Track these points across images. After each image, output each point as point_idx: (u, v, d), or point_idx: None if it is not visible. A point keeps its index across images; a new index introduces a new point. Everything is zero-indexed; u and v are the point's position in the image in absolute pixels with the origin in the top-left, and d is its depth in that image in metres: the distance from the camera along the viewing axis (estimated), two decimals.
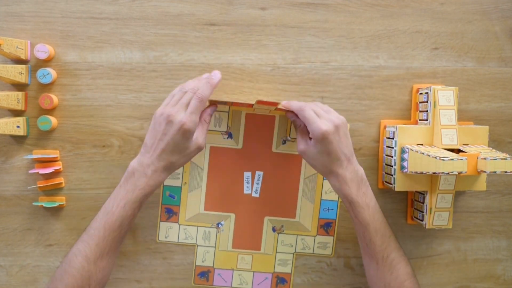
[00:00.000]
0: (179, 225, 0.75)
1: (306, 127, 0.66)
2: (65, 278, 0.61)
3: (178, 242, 0.75)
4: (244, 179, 0.75)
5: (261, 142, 0.75)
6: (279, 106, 0.68)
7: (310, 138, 0.66)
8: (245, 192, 0.75)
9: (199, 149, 0.67)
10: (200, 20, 0.73)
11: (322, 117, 0.65)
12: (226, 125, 0.74)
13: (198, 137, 0.66)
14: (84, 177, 0.74)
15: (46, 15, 0.72)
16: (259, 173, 0.75)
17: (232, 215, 0.75)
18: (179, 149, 0.64)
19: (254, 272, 0.76)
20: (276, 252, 0.76)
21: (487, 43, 0.76)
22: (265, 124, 0.74)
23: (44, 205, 0.72)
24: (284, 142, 0.75)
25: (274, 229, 0.76)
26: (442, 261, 0.79)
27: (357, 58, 0.75)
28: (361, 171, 0.67)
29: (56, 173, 0.73)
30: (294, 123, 0.71)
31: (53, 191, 0.74)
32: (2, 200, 0.73)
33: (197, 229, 0.75)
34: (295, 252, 0.76)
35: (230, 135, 0.74)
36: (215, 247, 0.75)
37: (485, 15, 0.75)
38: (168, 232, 0.75)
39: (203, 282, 0.76)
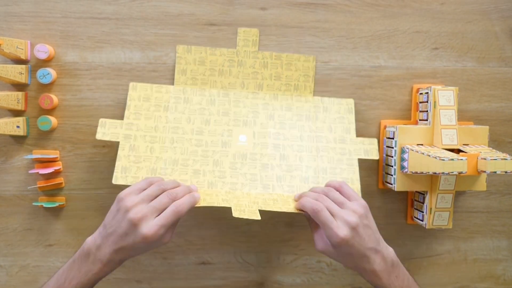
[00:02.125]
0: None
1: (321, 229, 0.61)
2: None
3: None
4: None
5: None
6: (293, 210, 0.64)
7: None
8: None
9: (163, 245, 0.61)
10: (200, 20, 0.73)
11: (337, 217, 0.59)
12: None
13: (165, 236, 0.59)
14: (84, 177, 0.74)
15: (46, 15, 0.72)
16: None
17: None
18: (140, 250, 0.60)
19: None
20: None
21: (487, 43, 0.76)
22: None
23: (44, 205, 0.72)
24: None
25: None
26: (442, 261, 0.79)
27: (357, 58, 0.75)
28: (391, 255, 0.61)
29: (56, 173, 0.73)
30: (308, 220, 0.65)
31: (53, 191, 0.74)
32: (2, 200, 0.73)
33: None
34: None
35: None
36: None
37: (485, 15, 0.75)
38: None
39: None
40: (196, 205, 0.62)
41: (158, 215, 0.58)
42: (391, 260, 0.61)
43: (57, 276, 0.61)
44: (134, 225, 0.57)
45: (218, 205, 0.63)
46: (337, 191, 0.64)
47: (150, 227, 0.57)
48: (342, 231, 0.58)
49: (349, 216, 0.59)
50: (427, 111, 0.71)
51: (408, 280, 0.62)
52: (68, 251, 0.74)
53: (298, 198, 0.66)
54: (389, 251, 0.62)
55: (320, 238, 0.62)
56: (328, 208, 0.60)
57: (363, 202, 0.61)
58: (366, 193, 0.76)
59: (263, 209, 0.64)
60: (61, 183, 0.73)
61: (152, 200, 0.60)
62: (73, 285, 0.60)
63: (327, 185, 0.66)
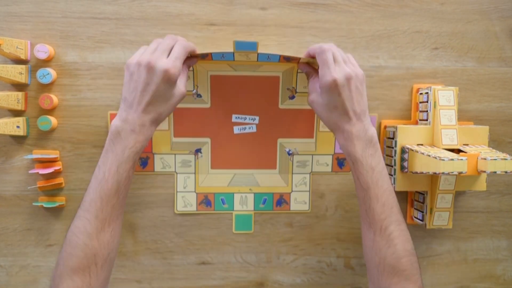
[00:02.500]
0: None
1: (318, 78, 0.62)
2: (69, 260, 0.56)
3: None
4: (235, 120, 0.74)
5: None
6: (302, 60, 0.67)
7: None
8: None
9: (182, 96, 0.62)
10: (200, 20, 0.73)
11: (338, 64, 0.61)
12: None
13: (180, 85, 0.62)
14: (84, 177, 0.74)
15: (46, 15, 0.72)
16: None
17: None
18: (165, 98, 0.60)
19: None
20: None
21: (487, 43, 0.76)
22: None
23: (44, 205, 0.72)
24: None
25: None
26: (442, 261, 0.79)
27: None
28: (371, 131, 0.62)
29: (56, 173, 0.73)
30: (307, 73, 0.68)
31: (53, 191, 0.74)
32: (2, 200, 0.73)
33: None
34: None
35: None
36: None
37: (485, 15, 0.75)
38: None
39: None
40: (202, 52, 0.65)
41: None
42: (371, 136, 0.62)
43: (94, 176, 0.60)
44: (150, 68, 0.58)
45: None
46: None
47: (166, 61, 0.58)
48: (336, 73, 0.60)
49: (348, 68, 0.61)
50: (427, 111, 0.71)
51: (382, 167, 0.62)
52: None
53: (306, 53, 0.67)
54: (371, 128, 0.63)
55: (313, 90, 0.65)
56: (333, 55, 0.62)
57: (362, 72, 0.63)
58: None
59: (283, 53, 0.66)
60: (61, 183, 0.73)
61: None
62: (114, 170, 0.58)
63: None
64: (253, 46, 0.63)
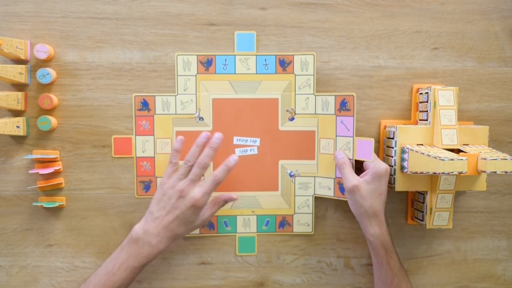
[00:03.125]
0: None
1: (352, 166, 0.69)
2: None
3: None
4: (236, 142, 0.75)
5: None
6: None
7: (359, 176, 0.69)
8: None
9: (204, 223, 0.69)
10: (200, 20, 0.73)
11: (378, 160, 0.69)
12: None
13: (205, 215, 0.69)
14: (84, 177, 0.74)
15: (46, 15, 0.72)
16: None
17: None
18: (186, 223, 0.67)
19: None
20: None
21: (487, 43, 0.76)
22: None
23: (44, 205, 0.72)
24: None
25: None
26: (442, 261, 0.79)
27: (357, 58, 0.75)
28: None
29: (56, 173, 0.73)
30: (342, 164, 0.70)
31: (53, 191, 0.74)
32: (2, 200, 0.73)
33: None
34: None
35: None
36: None
37: (485, 15, 0.75)
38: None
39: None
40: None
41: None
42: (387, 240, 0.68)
43: (105, 265, 0.66)
44: (181, 197, 0.66)
45: None
46: None
47: (196, 192, 0.67)
48: (385, 164, 0.68)
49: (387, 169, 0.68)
50: (427, 111, 0.71)
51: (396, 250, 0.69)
52: (68, 251, 0.74)
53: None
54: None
55: (353, 176, 0.69)
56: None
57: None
58: None
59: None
60: (61, 183, 0.73)
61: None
62: (123, 269, 0.65)
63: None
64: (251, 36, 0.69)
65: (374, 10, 0.74)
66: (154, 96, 0.73)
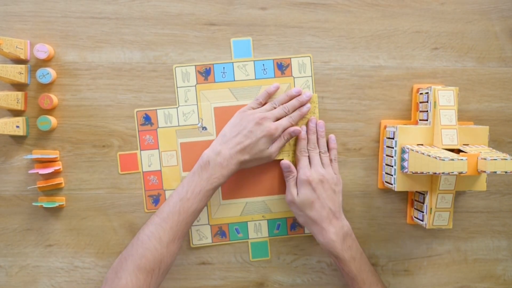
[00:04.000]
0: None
1: (296, 179, 0.71)
2: (137, 258, 0.62)
3: None
4: None
5: None
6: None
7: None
8: None
9: (269, 158, 0.71)
10: (200, 20, 0.73)
11: (314, 166, 0.71)
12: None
13: (273, 147, 0.70)
14: (84, 177, 0.74)
15: (46, 15, 0.72)
16: None
17: None
18: (256, 151, 0.68)
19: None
20: None
21: (487, 43, 0.76)
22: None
23: (44, 205, 0.72)
24: None
25: None
26: (442, 261, 0.79)
27: (357, 58, 0.75)
28: (346, 226, 0.70)
29: (55, 173, 0.73)
30: (289, 173, 0.72)
31: (53, 191, 0.74)
32: (2, 200, 0.73)
33: None
34: None
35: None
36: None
37: (485, 15, 0.75)
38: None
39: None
40: None
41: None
42: (346, 230, 0.69)
43: (176, 192, 0.67)
44: (259, 123, 0.68)
45: None
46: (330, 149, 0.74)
47: (271, 125, 0.69)
48: (311, 173, 0.69)
49: (323, 171, 0.70)
50: (427, 111, 0.71)
51: (361, 253, 0.70)
52: (68, 251, 0.74)
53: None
54: (346, 223, 0.70)
55: (291, 190, 0.71)
56: (311, 158, 0.72)
57: (339, 177, 0.72)
58: (366, 193, 0.77)
59: None
60: (61, 183, 0.73)
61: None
62: (196, 192, 0.66)
63: (331, 145, 0.74)
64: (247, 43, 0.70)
65: (374, 10, 0.74)
66: (156, 110, 0.73)
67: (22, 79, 0.70)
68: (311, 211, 0.69)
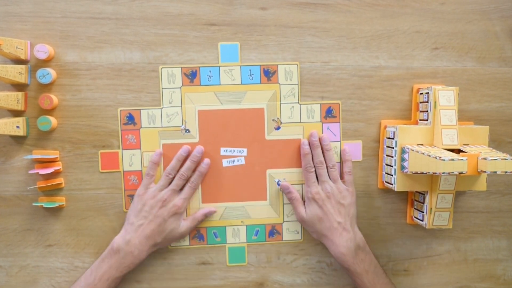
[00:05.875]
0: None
1: (300, 198, 0.73)
2: None
3: None
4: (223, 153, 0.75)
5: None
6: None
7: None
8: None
9: (182, 236, 0.73)
10: (200, 20, 0.73)
11: (322, 182, 0.72)
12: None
13: (184, 226, 0.72)
14: (84, 177, 0.74)
15: (46, 15, 0.72)
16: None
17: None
18: (167, 232, 0.70)
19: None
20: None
21: (487, 43, 0.76)
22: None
23: (44, 206, 0.72)
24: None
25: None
26: (442, 261, 0.79)
27: (357, 58, 0.75)
28: (358, 237, 0.71)
29: (56, 174, 0.73)
30: (289, 194, 0.74)
31: (53, 191, 0.74)
32: (2, 200, 0.73)
33: None
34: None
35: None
36: None
37: (485, 15, 0.75)
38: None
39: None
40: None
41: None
42: (358, 242, 0.70)
43: (84, 278, 0.68)
44: (164, 205, 0.69)
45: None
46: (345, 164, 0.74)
47: (177, 200, 0.70)
48: (317, 189, 0.71)
49: (329, 186, 0.71)
50: (427, 111, 0.71)
51: (375, 266, 0.70)
52: (68, 251, 0.74)
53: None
54: (358, 234, 0.71)
55: (300, 207, 0.73)
56: (319, 174, 0.72)
57: (351, 189, 0.72)
58: (366, 193, 0.77)
59: None
60: (61, 183, 0.73)
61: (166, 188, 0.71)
62: (104, 279, 0.67)
63: (345, 157, 0.75)
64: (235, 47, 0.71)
65: (374, 10, 0.74)
66: (140, 110, 0.73)
67: (22, 79, 0.70)
68: (320, 227, 0.70)
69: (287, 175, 0.75)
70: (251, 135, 0.74)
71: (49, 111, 0.72)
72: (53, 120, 0.71)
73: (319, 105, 0.74)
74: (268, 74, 0.74)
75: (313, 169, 0.72)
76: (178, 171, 0.72)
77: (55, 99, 0.71)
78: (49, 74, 0.70)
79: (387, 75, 0.75)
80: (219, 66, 0.73)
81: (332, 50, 0.75)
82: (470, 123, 0.76)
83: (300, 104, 0.74)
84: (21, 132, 0.71)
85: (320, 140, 0.73)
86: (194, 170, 0.72)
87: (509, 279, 0.79)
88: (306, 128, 0.75)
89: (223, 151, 0.74)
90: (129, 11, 0.72)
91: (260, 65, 0.73)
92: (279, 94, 0.74)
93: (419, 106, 0.74)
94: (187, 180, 0.72)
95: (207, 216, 0.74)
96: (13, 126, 0.70)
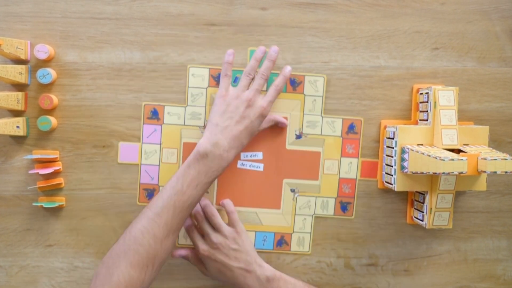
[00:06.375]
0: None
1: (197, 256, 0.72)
2: (130, 255, 0.60)
3: None
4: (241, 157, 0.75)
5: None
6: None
7: None
8: (238, 166, 0.75)
9: (259, 130, 0.71)
10: (200, 20, 0.73)
11: (207, 235, 0.70)
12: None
13: (263, 125, 0.71)
14: (84, 177, 0.74)
15: (46, 15, 0.72)
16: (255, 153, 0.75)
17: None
18: (253, 132, 0.68)
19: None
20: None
21: (487, 43, 0.76)
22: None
23: (44, 206, 0.72)
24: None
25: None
26: (442, 261, 0.79)
27: (357, 58, 0.75)
28: (265, 270, 0.69)
29: (56, 174, 0.73)
30: (191, 259, 0.73)
31: (53, 191, 0.74)
32: (2, 200, 0.73)
33: None
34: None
35: None
36: None
37: (485, 15, 0.75)
38: None
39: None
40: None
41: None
42: (266, 277, 0.68)
43: (170, 185, 0.64)
44: (250, 105, 0.67)
45: None
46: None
47: (262, 101, 0.68)
48: (202, 246, 0.69)
49: (214, 238, 0.69)
50: (427, 111, 0.71)
51: (294, 285, 0.69)
52: (68, 251, 0.74)
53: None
54: (264, 269, 0.69)
55: (199, 268, 0.72)
56: (206, 226, 0.71)
57: (237, 228, 0.71)
58: (366, 193, 0.77)
59: None
60: (61, 183, 0.73)
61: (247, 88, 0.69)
62: (193, 186, 0.64)
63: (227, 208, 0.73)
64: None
65: (374, 10, 0.74)
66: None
67: (22, 79, 0.70)
68: (226, 278, 0.69)
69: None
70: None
71: (49, 111, 0.72)
72: (53, 120, 0.71)
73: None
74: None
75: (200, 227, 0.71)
76: (256, 72, 0.70)
77: (55, 99, 0.71)
78: (49, 74, 0.70)
79: (387, 75, 0.75)
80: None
81: (332, 50, 0.75)
82: (470, 123, 0.76)
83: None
84: (21, 132, 0.71)
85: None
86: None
87: (509, 279, 0.79)
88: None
89: (242, 156, 0.75)
90: (130, 11, 0.72)
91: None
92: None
93: (419, 106, 0.74)
94: (267, 81, 0.70)
95: (278, 124, 0.73)
96: (13, 126, 0.70)
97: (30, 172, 0.71)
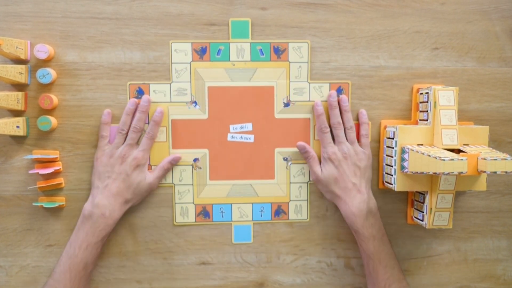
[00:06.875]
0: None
1: (316, 158, 0.73)
2: None
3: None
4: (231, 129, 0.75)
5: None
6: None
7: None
8: (229, 139, 0.75)
9: (152, 188, 0.72)
10: (200, 20, 0.73)
11: (338, 144, 0.71)
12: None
13: (150, 176, 0.71)
14: (84, 178, 0.74)
15: (46, 15, 0.72)
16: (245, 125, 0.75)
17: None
18: (134, 186, 0.70)
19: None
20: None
21: (487, 43, 0.76)
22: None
23: (44, 206, 0.72)
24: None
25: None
26: (442, 261, 0.79)
27: (357, 58, 0.75)
28: (372, 202, 0.71)
29: (56, 174, 0.73)
30: (306, 154, 0.74)
31: (53, 191, 0.74)
32: (2, 200, 0.73)
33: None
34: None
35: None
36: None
37: (485, 15, 0.75)
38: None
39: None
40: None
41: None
42: (371, 207, 0.70)
43: (65, 251, 0.68)
44: (123, 160, 0.69)
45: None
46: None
47: (136, 153, 0.70)
48: (333, 149, 0.71)
49: (346, 147, 0.71)
50: (427, 111, 0.71)
51: (382, 234, 0.70)
52: None
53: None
54: (372, 199, 0.71)
55: (315, 167, 0.73)
56: (337, 134, 0.72)
57: (367, 152, 0.73)
58: None
59: None
60: (61, 183, 0.73)
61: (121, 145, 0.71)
62: (83, 248, 0.67)
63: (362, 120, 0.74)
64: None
65: (374, 10, 0.74)
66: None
67: (22, 79, 0.70)
68: (335, 187, 0.70)
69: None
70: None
71: (49, 111, 0.72)
72: (53, 120, 0.71)
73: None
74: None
75: (328, 130, 0.72)
76: (130, 126, 0.71)
77: (55, 99, 0.71)
78: (49, 74, 0.70)
79: (387, 75, 0.75)
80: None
81: (332, 50, 0.75)
82: (470, 123, 0.76)
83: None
84: (21, 132, 0.71)
85: (339, 101, 0.73)
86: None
87: (509, 279, 0.79)
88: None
89: (232, 128, 0.74)
90: (130, 11, 0.72)
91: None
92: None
93: (419, 106, 0.74)
94: (141, 133, 0.71)
95: (172, 163, 0.73)
96: (13, 126, 0.70)
97: (30, 172, 0.71)
